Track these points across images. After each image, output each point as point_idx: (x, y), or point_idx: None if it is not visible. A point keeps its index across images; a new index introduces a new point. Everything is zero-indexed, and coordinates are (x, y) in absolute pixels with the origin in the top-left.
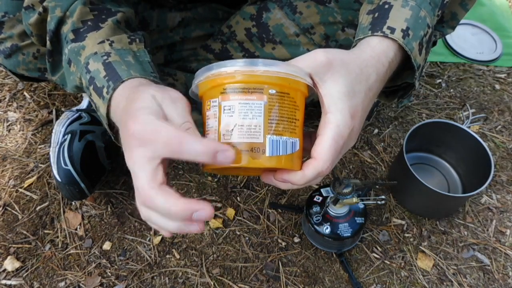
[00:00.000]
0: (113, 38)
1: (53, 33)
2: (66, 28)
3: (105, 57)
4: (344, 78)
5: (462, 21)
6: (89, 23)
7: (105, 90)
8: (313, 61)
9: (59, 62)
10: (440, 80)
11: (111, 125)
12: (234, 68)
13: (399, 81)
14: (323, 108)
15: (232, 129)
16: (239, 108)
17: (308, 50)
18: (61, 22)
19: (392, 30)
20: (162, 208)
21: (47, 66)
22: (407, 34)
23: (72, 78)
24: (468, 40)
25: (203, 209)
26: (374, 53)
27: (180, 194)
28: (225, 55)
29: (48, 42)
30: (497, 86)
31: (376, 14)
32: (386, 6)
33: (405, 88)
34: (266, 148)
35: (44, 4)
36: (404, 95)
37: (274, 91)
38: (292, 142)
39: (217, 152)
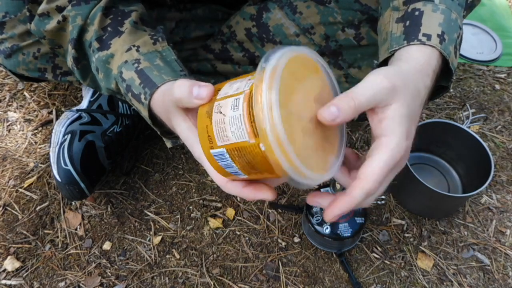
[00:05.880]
0: (138, 43)
1: (76, 41)
2: (89, 36)
3: (136, 65)
4: (408, 100)
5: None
6: (109, 29)
7: (142, 96)
8: (379, 89)
9: (86, 67)
10: None
11: (156, 122)
12: (268, 123)
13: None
14: (378, 131)
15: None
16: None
17: None
18: (82, 30)
19: (428, 37)
20: (233, 192)
21: (77, 74)
22: (444, 39)
23: (103, 84)
24: (468, 40)
25: (264, 195)
26: (419, 65)
27: (243, 184)
28: (225, 55)
29: (73, 50)
30: (497, 86)
31: (408, 22)
32: (417, 13)
33: (434, 91)
34: (215, 151)
35: (64, 13)
36: (433, 98)
37: (263, 148)
38: (236, 171)
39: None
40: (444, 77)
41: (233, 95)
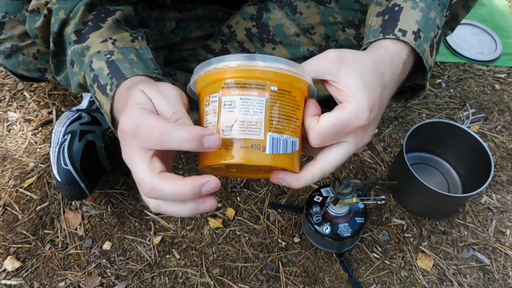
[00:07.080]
0: (116, 37)
1: (56, 34)
2: (69, 30)
3: (108, 56)
4: (359, 72)
5: (462, 21)
6: (90, 23)
7: (108, 87)
8: (324, 59)
9: (63, 63)
10: (440, 80)
11: (114, 122)
12: (236, 63)
13: (409, 83)
14: (339, 98)
15: (232, 125)
16: (240, 104)
17: (308, 51)
18: (64, 24)
19: (404, 32)
20: (169, 193)
21: (52, 67)
22: (419, 36)
23: (76, 78)
24: (468, 40)
25: (209, 180)
26: (387, 52)
27: (181, 176)
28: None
29: (51, 44)
30: (497, 86)
31: (386, 17)
32: (396, 8)
33: (413, 89)
34: (266, 145)
35: (48, 6)
36: (413, 96)
37: (276, 88)
38: (292, 141)
39: (203, 136)
40: (420, 76)
41: (217, 110)
